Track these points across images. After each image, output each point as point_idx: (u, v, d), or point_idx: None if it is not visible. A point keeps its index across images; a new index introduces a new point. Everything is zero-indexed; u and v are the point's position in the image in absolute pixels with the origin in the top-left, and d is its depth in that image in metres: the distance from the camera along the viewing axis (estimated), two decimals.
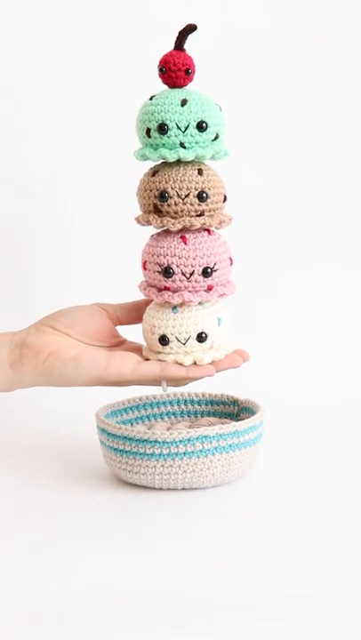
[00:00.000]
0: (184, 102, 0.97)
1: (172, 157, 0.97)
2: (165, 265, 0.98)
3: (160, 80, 1.00)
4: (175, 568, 0.84)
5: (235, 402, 1.11)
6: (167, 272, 0.98)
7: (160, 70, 0.99)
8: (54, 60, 1.44)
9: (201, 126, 0.97)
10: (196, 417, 1.13)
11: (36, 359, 0.99)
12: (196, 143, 0.97)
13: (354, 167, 1.46)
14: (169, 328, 0.99)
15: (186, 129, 0.97)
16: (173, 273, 0.98)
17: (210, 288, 0.99)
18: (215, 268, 0.99)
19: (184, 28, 0.98)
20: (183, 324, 0.99)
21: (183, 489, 0.99)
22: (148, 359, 1.01)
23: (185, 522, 0.94)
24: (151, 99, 0.99)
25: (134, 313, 1.06)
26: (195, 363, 0.99)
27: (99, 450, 1.06)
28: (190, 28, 0.98)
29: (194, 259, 0.98)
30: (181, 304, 1.00)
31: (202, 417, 1.13)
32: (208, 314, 1.00)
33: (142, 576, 0.83)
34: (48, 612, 0.77)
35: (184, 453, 0.97)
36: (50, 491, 1.01)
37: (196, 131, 0.97)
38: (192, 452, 0.97)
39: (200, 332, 0.99)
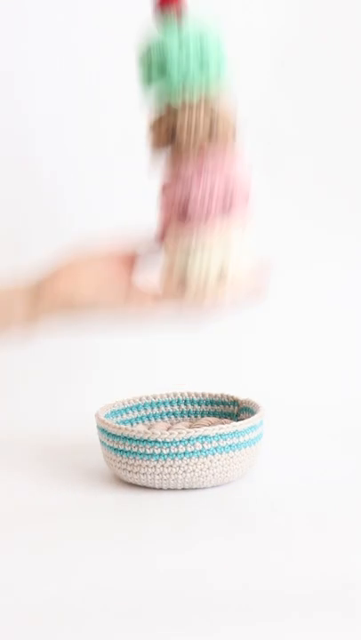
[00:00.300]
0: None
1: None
2: (185, 197, 0.95)
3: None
4: (175, 568, 0.84)
5: (235, 402, 1.11)
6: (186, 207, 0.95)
7: None
8: (54, 60, 1.44)
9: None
10: (196, 417, 1.13)
11: (54, 285, 0.96)
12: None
13: (354, 167, 1.46)
14: (188, 266, 0.96)
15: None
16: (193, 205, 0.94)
17: (230, 207, 0.95)
18: (234, 191, 0.96)
19: None
20: (204, 261, 0.95)
21: (183, 489, 0.99)
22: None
23: (185, 522, 0.94)
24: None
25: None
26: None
27: (99, 450, 1.06)
28: None
29: (212, 187, 0.95)
30: (203, 235, 0.95)
31: (202, 417, 1.13)
32: (231, 243, 0.95)
33: (142, 576, 0.83)
34: (48, 612, 0.77)
35: (184, 453, 0.97)
36: (50, 491, 1.01)
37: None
38: (192, 452, 0.97)
39: (221, 265, 0.95)
